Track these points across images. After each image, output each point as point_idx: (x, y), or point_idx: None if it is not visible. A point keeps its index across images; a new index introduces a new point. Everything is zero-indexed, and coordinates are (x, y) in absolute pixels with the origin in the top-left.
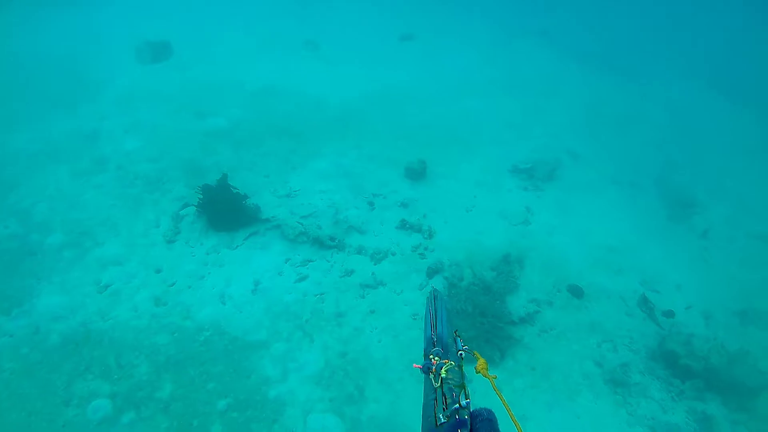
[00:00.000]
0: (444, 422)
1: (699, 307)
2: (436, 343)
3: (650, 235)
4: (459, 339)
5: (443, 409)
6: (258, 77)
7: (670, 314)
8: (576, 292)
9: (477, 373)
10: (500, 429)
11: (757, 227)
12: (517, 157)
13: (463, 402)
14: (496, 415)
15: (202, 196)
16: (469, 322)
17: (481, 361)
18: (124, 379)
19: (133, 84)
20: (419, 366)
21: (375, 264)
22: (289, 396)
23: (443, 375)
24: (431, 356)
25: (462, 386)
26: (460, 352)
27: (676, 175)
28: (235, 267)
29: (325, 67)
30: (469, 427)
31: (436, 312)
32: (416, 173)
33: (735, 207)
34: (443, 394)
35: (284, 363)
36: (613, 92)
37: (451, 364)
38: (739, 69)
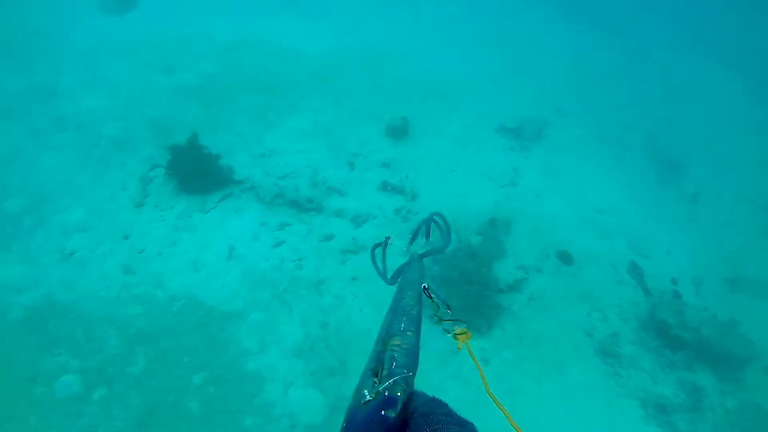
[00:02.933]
0: (369, 400)
1: (689, 274)
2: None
3: (639, 196)
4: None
5: (374, 383)
6: (230, 29)
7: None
8: (565, 258)
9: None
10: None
11: (745, 190)
12: (503, 115)
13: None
14: (449, 407)
15: (171, 157)
16: (456, 289)
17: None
18: (93, 354)
19: (95, 36)
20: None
21: (356, 228)
22: (268, 370)
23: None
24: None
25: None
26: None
27: (666, 134)
28: (208, 232)
29: (301, 18)
30: (398, 408)
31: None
32: (398, 131)
33: (723, 169)
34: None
35: (262, 334)
36: (601, 48)
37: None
38: (730, 31)
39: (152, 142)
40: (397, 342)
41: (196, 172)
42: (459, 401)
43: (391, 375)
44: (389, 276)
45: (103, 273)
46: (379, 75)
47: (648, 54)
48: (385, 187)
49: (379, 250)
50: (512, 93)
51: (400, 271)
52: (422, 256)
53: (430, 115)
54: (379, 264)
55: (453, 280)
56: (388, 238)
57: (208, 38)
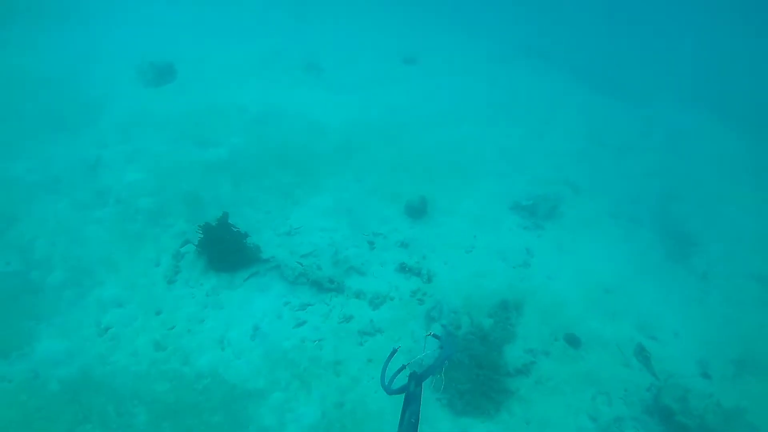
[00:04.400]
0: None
1: (696, 356)
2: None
3: (648, 274)
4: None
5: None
6: (259, 101)
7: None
8: (573, 341)
9: None
10: None
11: (756, 267)
12: (517, 191)
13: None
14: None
15: (202, 235)
16: (466, 374)
17: None
18: (123, 429)
19: (135, 108)
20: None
21: (374, 309)
22: None
23: None
24: None
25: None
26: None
27: (675, 207)
28: (234, 310)
29: (326, 92)
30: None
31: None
32: (416, 210)
33: (734, 244)
34: None
35: (282, 413)
36: (614, 117)
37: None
38: (737, 94)
39: (185, 216)
40: None
41: (226, 250)
42: None
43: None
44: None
45: (135, 348)
46: (398, 149)
47: (660, 121)
48: (402, 268)
49: (390, 359)
50: (528, 167)
51: (402, 390)
52: (420, 378)
53: (448, 191)
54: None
55: (464, 364)
56: (395, 349)
57: (239, 111)
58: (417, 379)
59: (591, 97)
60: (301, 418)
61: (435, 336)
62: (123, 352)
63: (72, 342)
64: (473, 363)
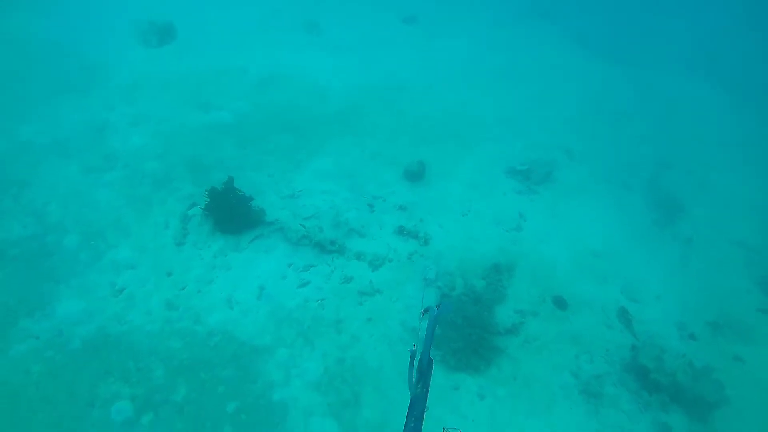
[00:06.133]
0: None
1: (675, 318)
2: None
3: (635, 240)
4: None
5: None
6: (260, 63)
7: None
8: (560, 303)
9: None
10: None
11: (740, 233)
12: (513, 156)
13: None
14: None
15: (208, 199)
16: (458, 333)
17: None
18: (142, 383)
19: (138, 70)
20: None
21: (373, 271)
22: (291, 400)
23: None
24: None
25: None
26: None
27: (666, 174)
28: (241, 271)
29: (327, 53)
30: None
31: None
32: (415, 174)
33: (721, 211)
34: None
35: (287, 368)
36: (613, 82)
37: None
38: (741, 61)
39: (190, 180)
40: None
41: (231, 213)
42: None
43: None
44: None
45: (149, 308)
46: (397, 113)
47: (657, 86)
48: (400, 231)
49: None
50: (524, 132)
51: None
52: (423, 353)
53: (446, 156)
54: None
55: (457, 324)
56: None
57: (240, 73)
58: (421, 355)
59: (591, 62)
60: (305, 373)
61: (426, 311)
62: (138, 312)
63: (89, 302)
64: (466, 323)
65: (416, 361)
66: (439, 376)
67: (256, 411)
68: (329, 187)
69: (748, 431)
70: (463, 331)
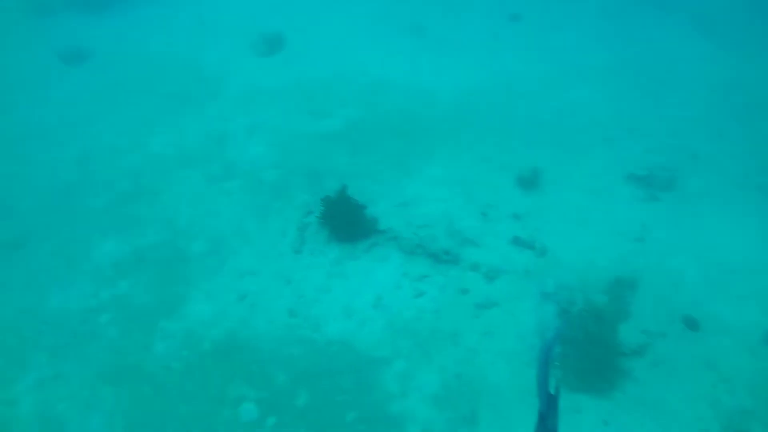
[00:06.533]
0: None
1: None
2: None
3: None
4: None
5: None
6: (368, 70)
7: None
8: (692, 323)
9: None
10: None
11: None
12: (632, 160)
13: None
14: None
15: (323, 208)
16: (580, 351)
17: None
18: (265, 386)
19: (251, 80)
20: None
21: (488, 283)
22: (408, 413)
23: None
24: None
25: None
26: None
27: None
28: (357, 279)
29: (433, 55)
30: None
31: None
32: (528, 181)
33: None
34: None
35: (404, 381)
36: (742, 76)
37: None
38: None
39: (305, 188)
40: None
41: (346, 222)
42: None
43: None
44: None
45: (271, 315)
46: (507, 116)
47: None
48: (516, 241)
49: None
50: (644, 134)
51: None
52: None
53: (559, 161)
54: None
55: (577, 341)
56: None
57: (348, 79)
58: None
59: (716, 53)
60: (422, 386)
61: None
62: (261, 318)
63: (217, 306)
64: (587, 340)
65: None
66: (560, 397)
67: (374, 422)
68: (441, 195)
69: None
70: (585, 349)
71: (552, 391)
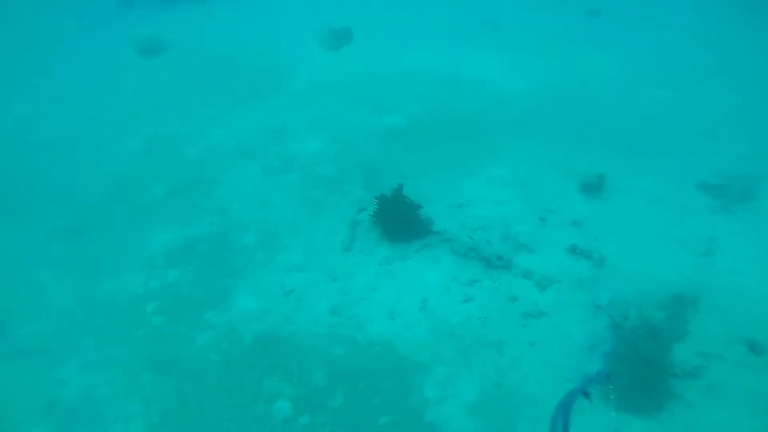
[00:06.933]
0: None
1: None
2: None
3: None
4: None
5: None
6: (435, 65)
7: None
8: (755, 347)
9: None
10: None
11: None
12: (708, 168)
13: None
14: None
15: (377, 206)
16: (629, 369)
17: None
18: (302, 384)
19: (316, 74)
20: None
21: (540, 291)
22: (443, 421)
23: None
24: None
25: None
26: None
27: None
28: (405, 280)
29: (506, 52)
30: None
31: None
32: (592, 187)
33: None
34: None
35: (443, 387)
36: None
37: None
38: None
39: (361, 184)
40: None
41: (399, 221)
42: None
43: None
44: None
45: (315, 312)
46: (579, 118)
47: None
48: (573, 250)
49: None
50: (728, 141)
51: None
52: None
53: (630, 168)
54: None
55: (629, 359)
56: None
57: (415, 75)
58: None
59: None
60: (461, 394)
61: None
62: (305, 315)
63: (262, 301)
64: (639, 359)
65: None
66: (602, 414)
67: (407, 427)
68: (499, 197)
69: None
70: (635, 368)
71: None
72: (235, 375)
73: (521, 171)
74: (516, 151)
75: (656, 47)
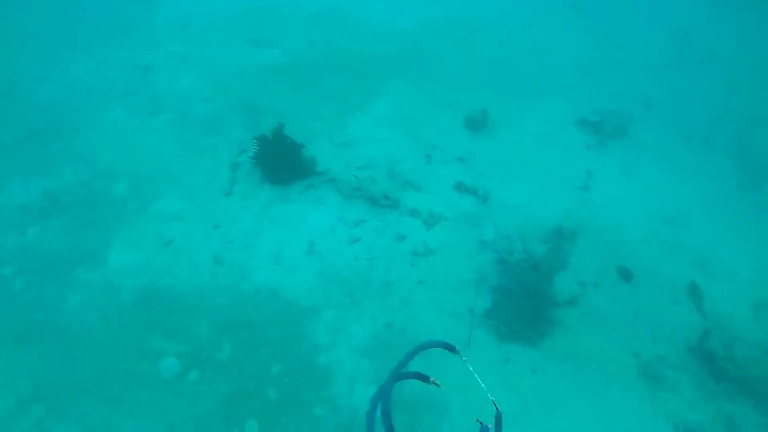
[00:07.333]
0: None
1: (750, 297)
2: None
3: (715, 205)
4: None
5: None
6: None
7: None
8: (625, 275)
9: None
10: None
11: None
12: (585, 105)
13: None
14: None
15: (258, 148)
16: (514, 302)
17: None
18: (188, 340)
19: (185, 5)
20: None
21: (427, 229)
22: (336, 365)
23: None
24: None
25: None
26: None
27: (758, 132)
28: (289, 224)
29: None
30: None
31: None
32: (477, 123)
33: None
34: None
35: (334, 331)
36: (704, 22)
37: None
38: None
39: (242, 124)
40: None
41: (281, 162)
42: None
43: None
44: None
45: (196, 262)
46: (463, 54)
47: (760, 26)
48: (459, 186)
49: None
50: (600, 79)
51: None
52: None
53: (512, 104)
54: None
55: (514, 293)
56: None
57: (293, 6)
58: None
59: None
60: (351, 337)
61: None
62: (185, 265)
63: (139, 253)
64: (523, 292)
65: None
66: (490, 347)
67: (301, 374)
68: (385, 135)
69: None
70: (520, 301)
71: None
72: (116, 335)
73: (406, 107)
74: (401, 87)
75: None
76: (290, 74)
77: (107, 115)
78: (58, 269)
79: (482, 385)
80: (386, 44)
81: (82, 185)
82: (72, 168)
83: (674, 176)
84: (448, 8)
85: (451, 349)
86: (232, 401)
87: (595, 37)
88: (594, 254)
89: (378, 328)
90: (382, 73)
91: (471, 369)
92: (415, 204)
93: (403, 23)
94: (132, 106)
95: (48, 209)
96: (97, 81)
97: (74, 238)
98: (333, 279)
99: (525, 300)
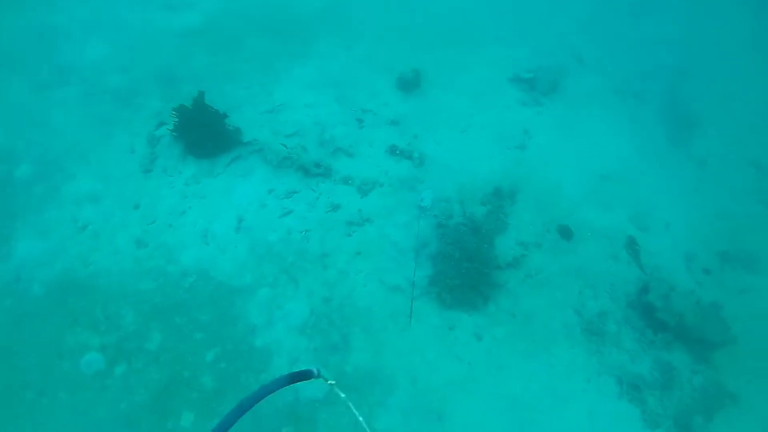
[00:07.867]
0: None
1: (684, 249)
2: None
3: (648, 159)
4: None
5: None
6: None
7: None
8: (565, 233)
9: None
10: None
11: (755, 153)
12: (518, 61)
13: None
14: None
15: (177, 119)
16: (456, 268)
17: None
18: (112, 331)
19: None
20: None
21: (362, 197)
22: (275, 345)
23: None
24: None
25: None
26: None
27: (685, 84)
28: (216, 199)
29: None
30: None
31: None
32: (409, 83)
33: (738, 128)
34: None
35: (270, 310)
36: None
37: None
38: None
39: (158, 95)
40: None
41: (204, 134)
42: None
43: None
44: None
45: (116, 246)
46: (392, 11)
47: None
48: (393, 151)
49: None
50: (532, 35)
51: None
52: None
53: (444, 63)
54: None
55: (454, 258)
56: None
57: None
58: None
59: None
60: (289, 315)
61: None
62: (104, 251)
63: (50, 241)
64: (464, 256)
65: None
66: (433, 315)
67: (238, 358)
68: (313, 99)
69: (753, 368)
70: (461, 265)
71: None
72: (28, 334)
73: (332, 69)
74: (327, 49)
75: None
76: (209, 38)
77: (3, 88)
78: None
79: (354, 410)
80: (310, 1)
81: None
82: None
83: (608, 131)
84: None
85: (308, 377)
86: (165, 393)
87: None
88: (534, 214)
89: (316, 304)
90: (308, 34)
91: (342, 396)
92: (348, 171)
93: None
94: (34, 78)
95: None
96: None
97: None
98: (266, 255)
99: (467, 264)
